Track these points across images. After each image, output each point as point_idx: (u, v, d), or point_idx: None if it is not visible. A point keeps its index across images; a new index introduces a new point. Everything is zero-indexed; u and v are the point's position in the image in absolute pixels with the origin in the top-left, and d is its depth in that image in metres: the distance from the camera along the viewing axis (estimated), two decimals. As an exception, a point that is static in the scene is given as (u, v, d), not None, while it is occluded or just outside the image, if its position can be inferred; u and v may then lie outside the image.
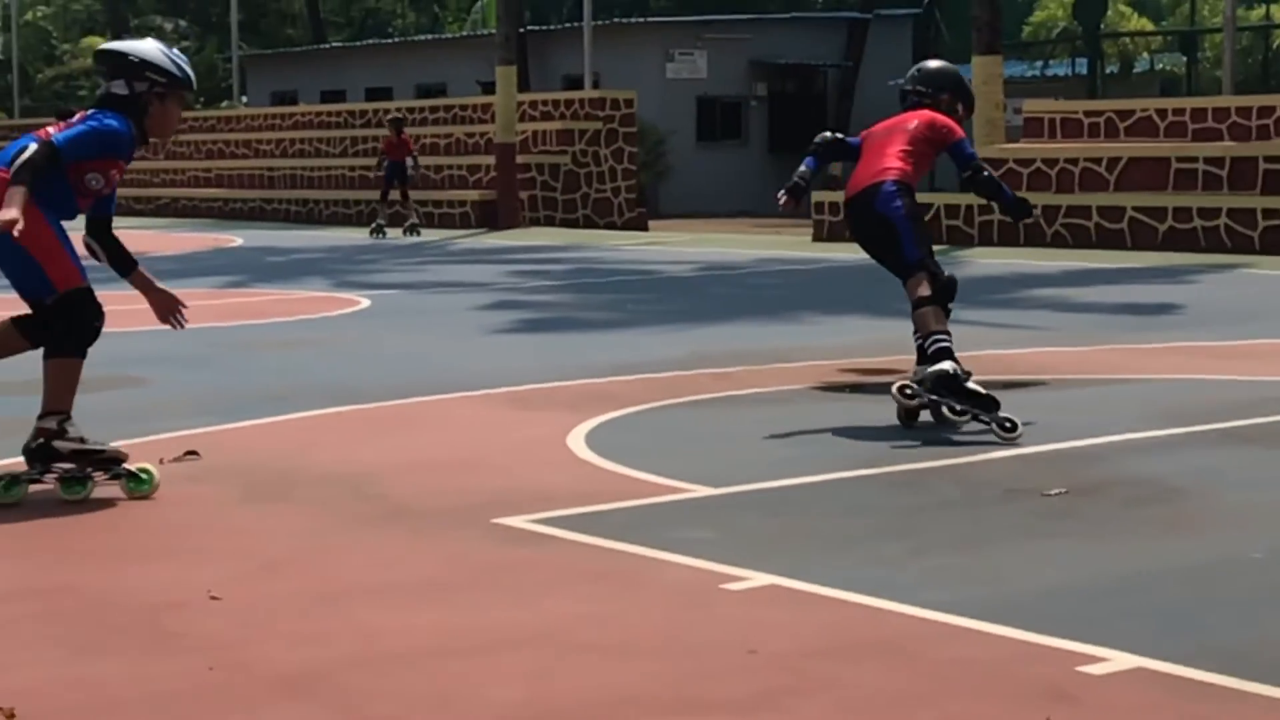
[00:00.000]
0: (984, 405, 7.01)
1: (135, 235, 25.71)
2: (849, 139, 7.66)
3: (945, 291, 7.28)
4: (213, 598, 4.58)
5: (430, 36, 42.02)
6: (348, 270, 17.59)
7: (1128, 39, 30.35)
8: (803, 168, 7.47)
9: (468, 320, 12.33)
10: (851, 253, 18.82)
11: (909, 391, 7.08)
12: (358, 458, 6.70)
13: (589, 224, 26.15)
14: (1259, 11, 30.56)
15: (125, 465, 5.86)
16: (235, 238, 25.04)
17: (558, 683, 3.84)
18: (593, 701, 3.71)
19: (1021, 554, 5.01)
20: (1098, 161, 19.42)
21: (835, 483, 6.09)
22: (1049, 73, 30.66)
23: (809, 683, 3.81)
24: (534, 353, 10.28)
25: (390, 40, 42.63)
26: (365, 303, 13.75)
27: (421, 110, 30.11)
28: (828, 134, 7.75)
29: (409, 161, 23.54)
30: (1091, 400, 8.01)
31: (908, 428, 7.17)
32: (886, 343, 10.37)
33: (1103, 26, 27.05)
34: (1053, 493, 5.79)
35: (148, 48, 6.01)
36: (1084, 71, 27.26)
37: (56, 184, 5.71)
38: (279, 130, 33.30)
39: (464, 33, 41.62)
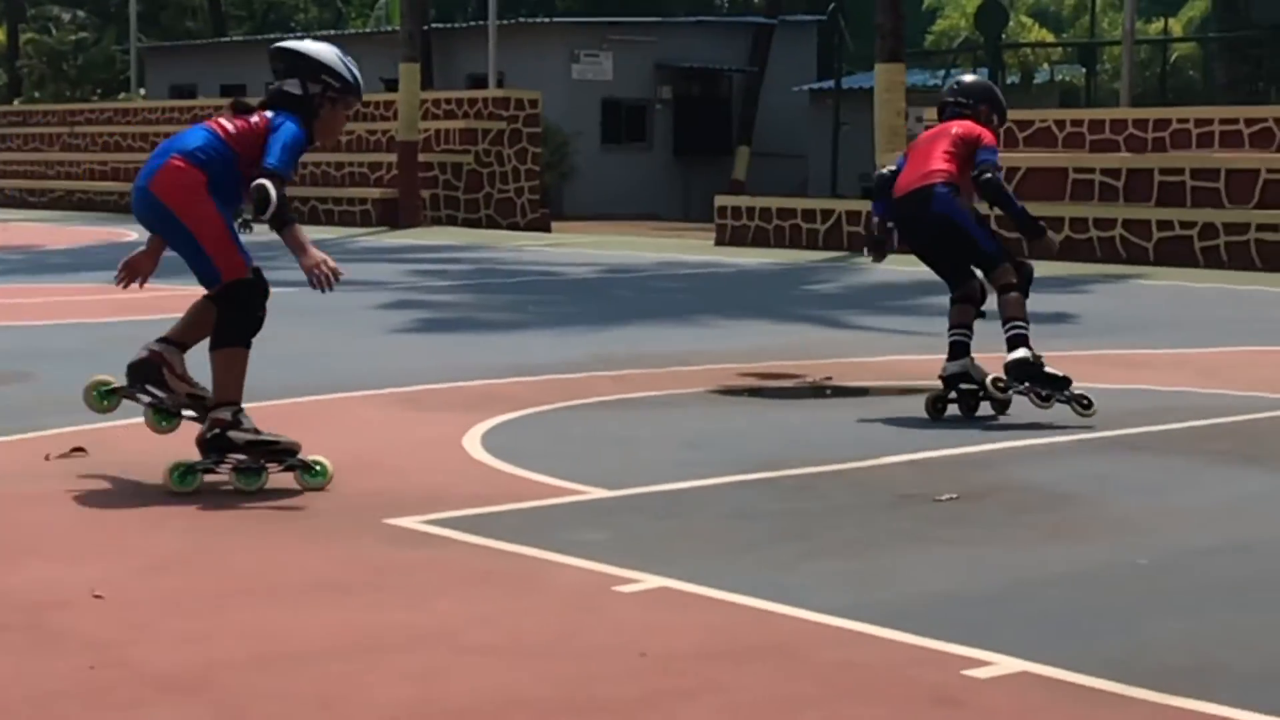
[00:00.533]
0: (1060, 385, 7.48)
1: (28, 229, 25.28)
2: (897, 166, 7.87)
3: (1028, 280, 7.65)
4: (96, 596, 4.50)
5: (333, 32, 41.70)
6: (246, 266, 17.38)
7: (1028, 50, 30.73)
8: (875, 217, 7.97)
9: (365, 319, 12.24)
10: (754, 257, 19.01)
11: (1001, 384, 7.48)
12: (250, 456, 6.61)
13: (491, 224, 26.07)
14: (1157, 25, 31.06)
15: (299, 457, 5.87)
16: (129, 232, 24.68)
17: (446, 684, 3.81)
18: (480, 703, 3.69)
19: (911, 559, 5.04)
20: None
21: (729, 486, 6.10)
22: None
23: (697, 685, 3.81)
24: (431, 353, 10.22)
25: (292, 35, 42.19)
26: (262, 300, 13.59)
27: (324, 106, 29.83)
28: (884, 171, 7.99)
29: None
30: (984, 407, 8.07)
31: (934, 419, 7.48)
32: (786, 347, 10.43)
33: (1004, 37, 27.35)
34: (944, 498, 5.84)
35: (326, 51, 6.07)
36: (985, 81, 27.58)
37: (229, 178, 5.79)
38: (177, 124, 32.83)
39: (367, 29, 41.36)
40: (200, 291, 6.05)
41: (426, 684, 3.81)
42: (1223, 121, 18.60)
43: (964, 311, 7.70)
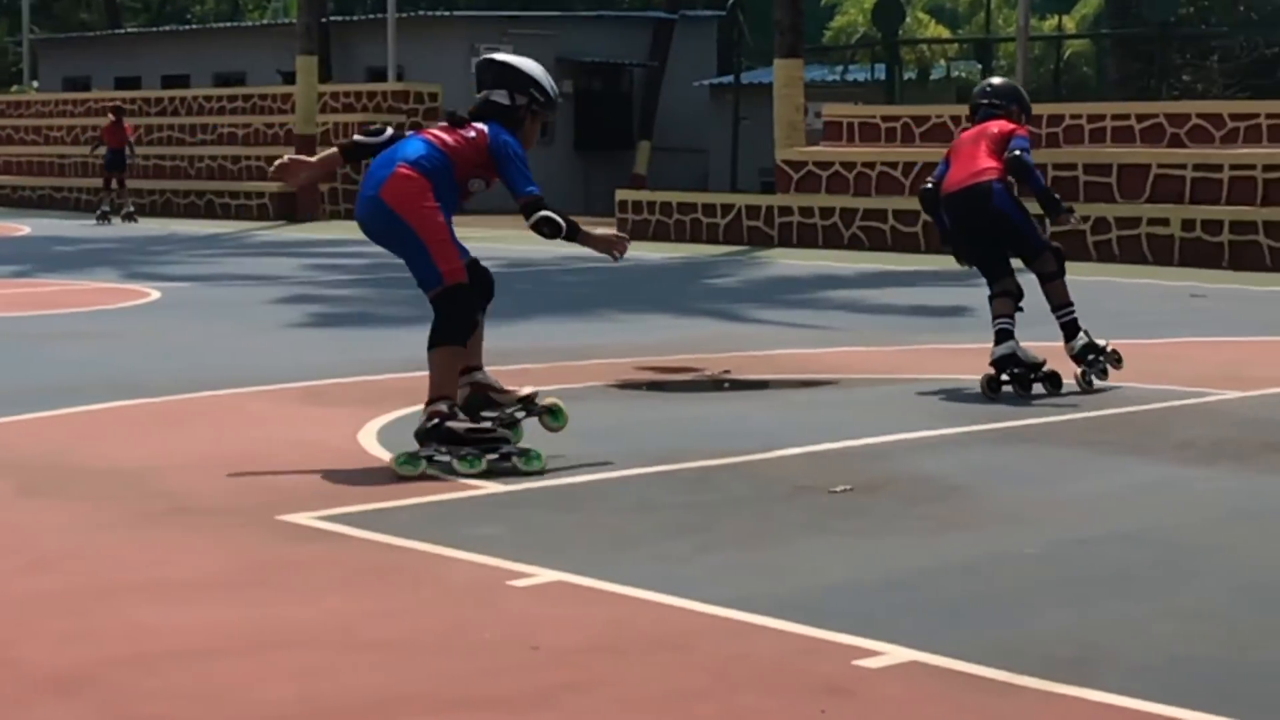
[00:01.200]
0: (1115, 360, 8.34)
1: (-84, 221, 24.78)
2: (941, 173, 8.44)
3: (1063, 263, 8.53)
4: (-21, 597, 4.42)
5: (230, 24, 41.22)
6: (139, 261, 17.16)
7: (925, 46, 31.00)
8: (940, 228, 8.59)
9: (262, 314, 12.12)
10: (654, 251, 19.02)
11: (1088, 377, 8.23)
12: (141, 453, 6.53)
13: (391, 218, 25.85)
14: (1051, 22, 31.44)
15: (514, 445, 6.18)
16: (23, 226, 24.28)
17: (333, 681, 3.78)
18: (368, 699, 3.66)
19: (806, 550, 5.07)
20: (894, 166, 19.81)
21: (627, 480, 6.10)
22: (849, 77, 31.18)
23: (589, 679, 3.81)
24: (330, 347, 10.14)
25: (188, 27, 41.70)
26: (155, 295, 13.43)
27: (220, 99, 29.53)
28: (929, 185, 8.54)
29: (127, 150, 24.64)
30: (881, 399, 8.15)
31: (989, 399, 7.93)
32: (686, 341, 10.45)
33: (901, 33, 27.58)
34: (838, 490, 5.88)
35: (534, 66, 6.46)
36: (883, 77, 27.76)
37: (448, 186, 6.13)
38: (71, 117, 32.36)
39: (264, 21, 40.92)
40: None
41: (314, 681, 3.78)
42: (1115, 117, 18.86)
43: (1004, 304, 8.35)
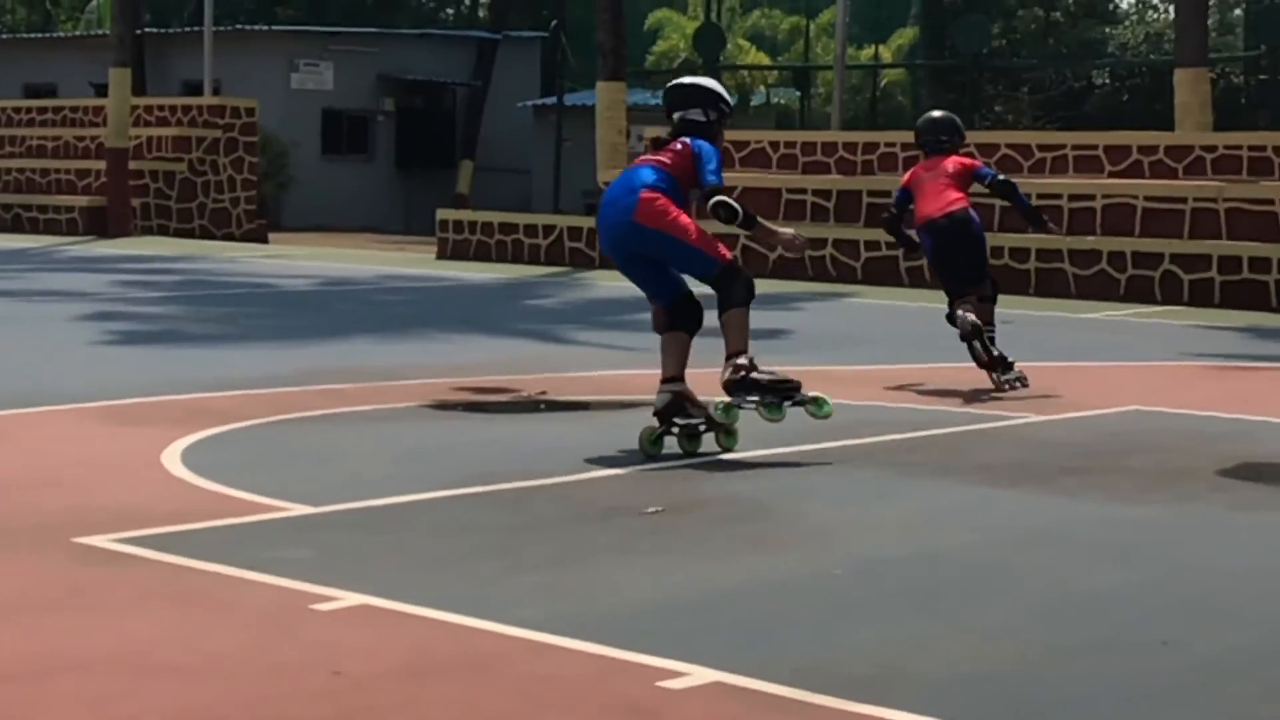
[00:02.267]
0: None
1: None
2: (900, 200, 9.75)
3: (997, 293, 9.94)
4: None
5: (41, 35, 40.18)
6: (-59, 275, 16.63)
7: (745, 72, 31.39)
8: (904, 245, 10.00)
9: (66, 331, 11.81)
10: (475, 271, 18.95)
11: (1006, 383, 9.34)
12: (-68, 473, 6.31)
13: (206, 234, 25.43)
14: (868, 52, 32.04)
15: (804, 392, 7.00)
16: None
17: (125, 707, 3.69)
18: (163, 727, 3.57)
19: (615, 571, 5.08)
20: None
21: (437, 501, 6.06)
22: (671, 102, 31.48)
23: (391, 703, 3.77)
24: (136, 366, 9.91)
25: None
26: (-44, 310, 13.01)
27: (29, 111, 28.73)
28: (890, 213, 9.83)
29: None
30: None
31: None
32: (504, 362, 10.42)
33: (721, 59, 27.88)
34: (650, 511, 5.90)
35: (715, 83, 7.49)
36: (704, 102, 28.04)
37: (677, 198, 7.00)
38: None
39: (78, 32, 39.95)
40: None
41: (103, 706, 3.68)
42: (928, 146, 19.27)
43: (987, 310, 9.66)
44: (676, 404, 7.06)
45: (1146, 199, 17.03)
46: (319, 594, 4.66)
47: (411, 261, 21.12)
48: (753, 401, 6.99)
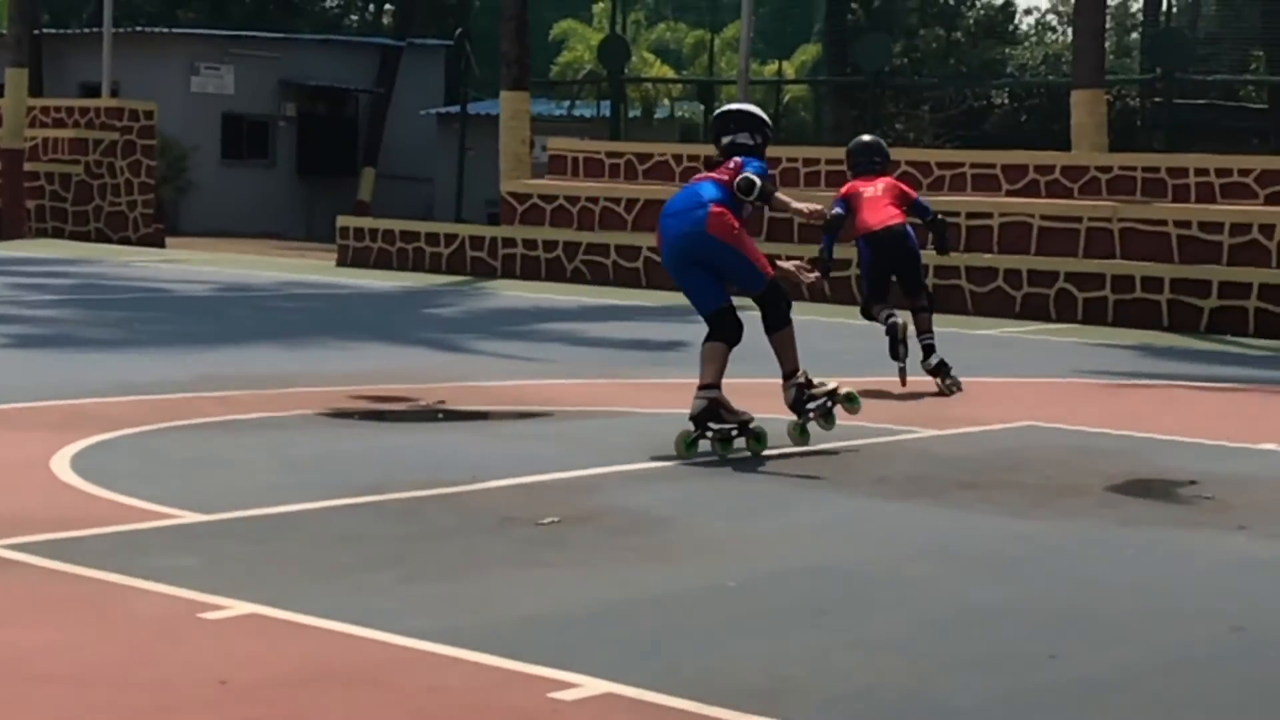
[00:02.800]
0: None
1: None
2: (839, 211, 10.32)
3: (934, 303, 10.86)
4: None
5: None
6: None
7: (650, 85, 31.46)
8: (823, 248, 10.63)
9: (-44, 333, 11.58)
10: (376, 279, 18.84)
11: (950, 381, 10.26)
12: None
13: (102, 238, 25.06)
14: (772, 67, 32.23)
15: (839, 394, 7.89)
16: None
17: (6, 715, 3.61)
18: (43, 738, 3.51)
19: (508, 582, 5.06)
20: (617, 201, 20.02)
21: (330, 510, 6.00)
22: (575, 113, 31.46)
23: (278, 714, 3.72)
24: (25, 370, 9.74)
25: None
26: None
27: (-79, 109, 28.18)
28: (835, 213, 10.12)
29: None
30: (593, 432, 8.21)
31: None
32: (402, 370, 10.35)
33: (626, 71, 27.92)
34: (546, 521, 5.88)
35: (758, 109, 8.25)
36: (608, 114, 28.08)
37: (737, 212, 7.62)
38: None
39: (-26, 30, 39.26)
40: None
41: (-16, 718, 3.61)
42: (829, 161, 19.39)
43: (925, 320, 10.47)
44: (711, 410, 7.53)
45: (1043, 218, 17.26)
46: (207, 603, 4.60)
47: (311, 268, 20.95)
48: (811, 413, 7.84)
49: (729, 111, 8.15)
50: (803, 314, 15.85)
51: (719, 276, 7.69)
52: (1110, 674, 4.32)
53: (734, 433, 7.50)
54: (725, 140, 7.92)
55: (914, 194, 10.87)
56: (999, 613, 4.91)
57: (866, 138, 11.11)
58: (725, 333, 7.74)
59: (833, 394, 7.91)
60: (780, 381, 7.90)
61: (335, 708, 3.79)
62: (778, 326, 7.83)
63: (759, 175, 7.52)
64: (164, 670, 4.01)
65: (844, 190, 10.56)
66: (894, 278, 10.54)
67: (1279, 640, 4.76)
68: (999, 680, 4.21)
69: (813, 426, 7.86)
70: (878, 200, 10.39)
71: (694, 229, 7.58)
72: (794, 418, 7.85)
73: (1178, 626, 4.85)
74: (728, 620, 4.71)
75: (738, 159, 7.72)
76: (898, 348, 10.27)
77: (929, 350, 10.35)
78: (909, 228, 10.48)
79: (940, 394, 10.10)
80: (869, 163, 10.66)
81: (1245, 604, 5.12)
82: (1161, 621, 4.90)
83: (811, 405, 7.81)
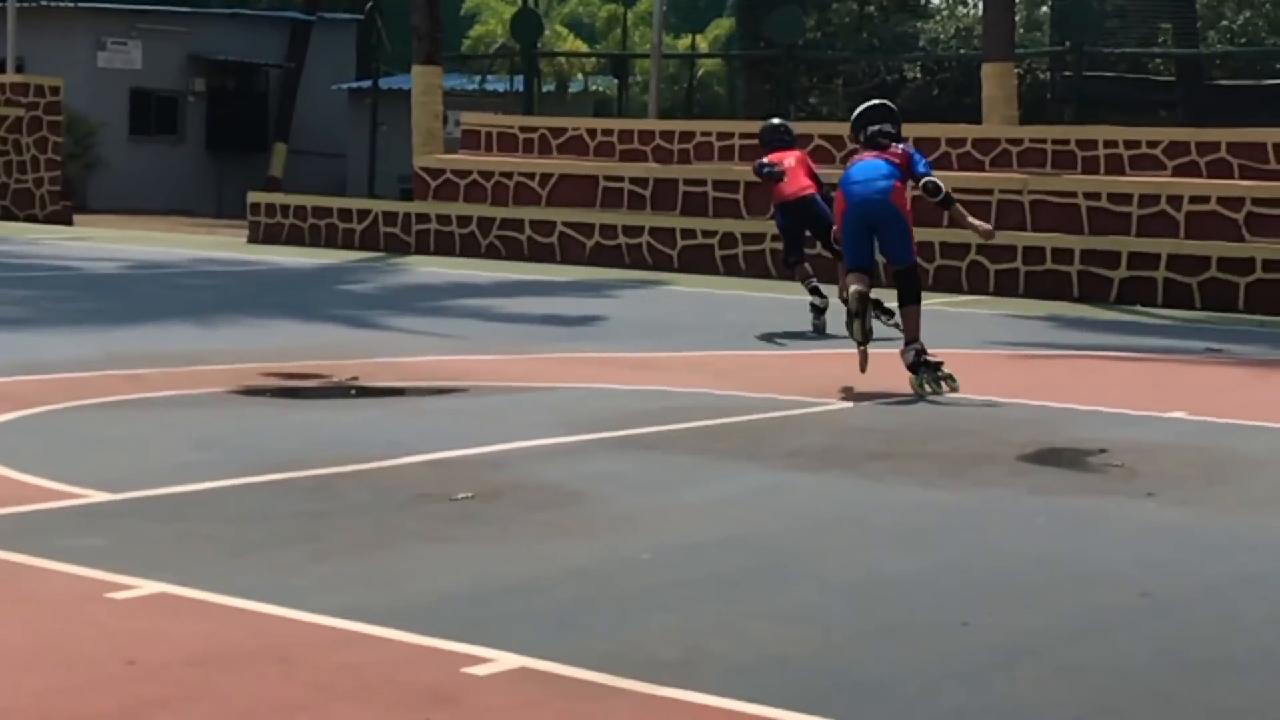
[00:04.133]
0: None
1: None
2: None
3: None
4: None
5: None
6: None
7: (563, 59, 31.34)
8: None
9: None
10: (288, 255, 18.66)
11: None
12: None
13: (8, 216, 24.65)
14: (686, 41, 32.20)
15: (942, 370, 8.92)
16: None
17: (-95, 703, 3.55)
18: (-55, 722, 3.45)
19: (421, 558, 5.03)
20: (531, 176, 19.95)
21: (241, 488, 5.94)
22: (488, 87, 31.27)
23: (185, 693, 3.68)
24: (-72, 349, 9.56)
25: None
26: None
27: None
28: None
29: None
30: (507, 407, 8.17)
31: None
32: (315, 347, 10.26)
33: (540, 46, 27.80)
34: (459, 497, 5.85)
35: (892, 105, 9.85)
36: (521, 88, 27.96)
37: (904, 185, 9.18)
38: None
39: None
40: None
41: (-117, 703, 3.54)
42: (743, 135, 19.41)
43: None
44: (920, 355, 8.91)
45: (955, 190, 17.29)
46: (114, 582, 4.54)
47: (222, 245, 20.72)
48: (925, 373, 8.89)
49: (876, 105, 9.67)
50: (727, 288, 15.98)
51: (878, 238, 9.15)
52: (1021, 641, 4.37)
53: (940, 369, 8.88)
54: (872, 129, 9.41)
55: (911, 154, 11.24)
56: (911, 582, 4.94)
57: (776, 120, 13.06)
58: (912, 294, 9.17)
59: (939, 366, 8.92)
60: (900, 347, 9.06)
61: (245, 686, 3.75)
62: (912, 301, 9.09)
63: (935, 177, 9.30)
64: (71, 651, 3.95)
65: (772, 159, 12.11)
66: (807, 233, 12.13)
67: (1186, 605, 4.82)
68: (911, 649, 4.24)
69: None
70: (795, 173, 11.97)
71: (879, 196, 9.03)
72: (912, 375, 8.94)
73: (1088, 593, 4.90)
74: (641, 593, 4.71)
75: (902, 148, 9.32)
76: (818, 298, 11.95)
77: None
78: (818, 196, 11.84)
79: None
80: (780, 140, 12.46)
81: (1153, 570, 5.19)
82: (1071, 588, 4.95)
83: (925, 370, 8.86)
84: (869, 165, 9.16)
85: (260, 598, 4.43)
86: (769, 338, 11.82)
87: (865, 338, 9.02)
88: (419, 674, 3.88)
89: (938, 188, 9.19)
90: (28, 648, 3.97)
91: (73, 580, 4.57)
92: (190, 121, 33.54)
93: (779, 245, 18.02)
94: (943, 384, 8.84)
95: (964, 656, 4.20)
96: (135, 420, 7.36)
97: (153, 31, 32.67)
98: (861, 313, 8.96)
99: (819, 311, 12.04)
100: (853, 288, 9.11)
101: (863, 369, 9.04)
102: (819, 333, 11.89)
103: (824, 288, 12.03)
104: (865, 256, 9.16)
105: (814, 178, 12.07)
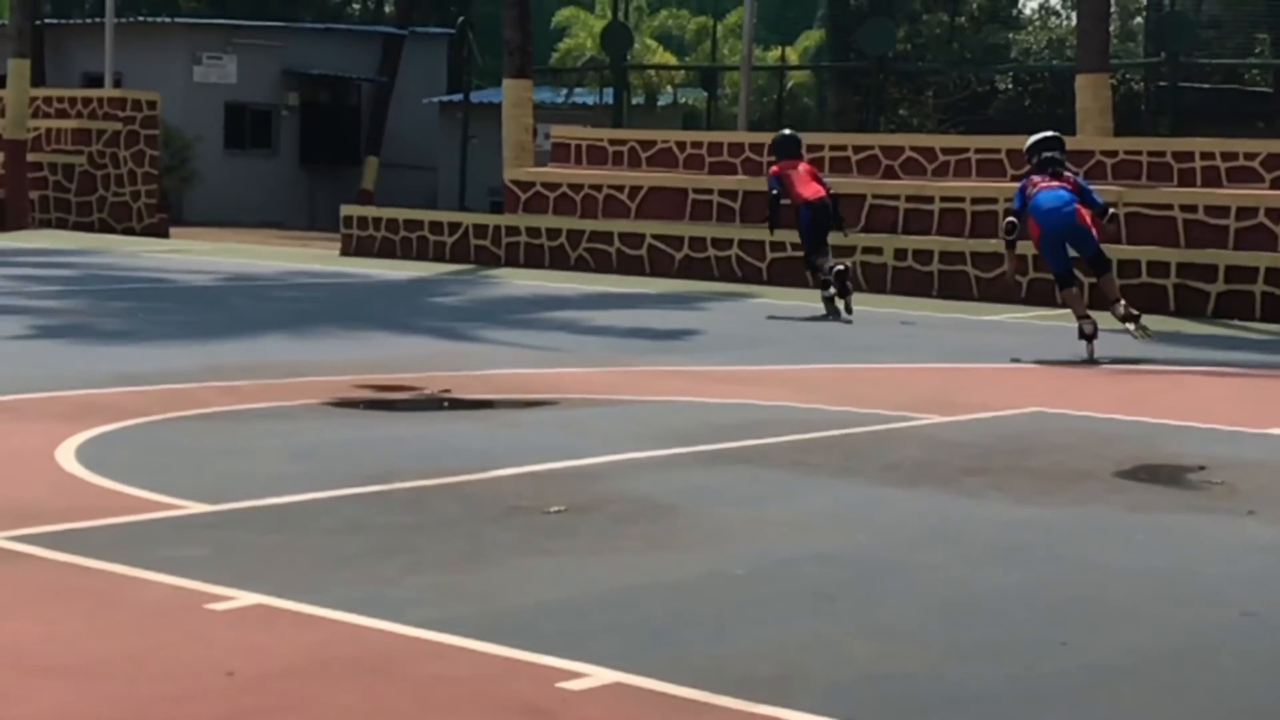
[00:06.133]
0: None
1: None
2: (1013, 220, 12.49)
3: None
4: None
5: (-62, 23, 39.47)
6: None
7: (653, 72, 31.39)
8: (773, 215, 14.84)
9: (-40, 324, 11.57)
10: (379, 268, 18.82)
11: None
12: None
13: (106, 228, 25.06)
14: (775, 53, 32.15)
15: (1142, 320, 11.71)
16: None
17: (13, 708, 3.60)
18: (50, 730, 3.50)
19: (515, 570, 5.04)
20: (620, 189, 19.98)
21: (337, 500, 5.98)
22: (577, 100, 31.39)
23: (284, 704, 3.71)
24: (31, 360, 9.73)
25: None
26: None
27: (-76, 100, 28.18)
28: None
29: None
30: (598, 420, 8.18)
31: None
32: (407, 359, 10.34)
33: (629, 58, 27.87)
34: (552, 510, 5.87)
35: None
36: (610, 101, 28.03)
37: None
38: None
39: (-24, 21, 39.26)
40: None
41: (-10, 710, 3.60)
42: (833, 148, 19.36)
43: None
44: (1093, 325, 11.33)
45: (1048, 203, 17.20)
46: (213, 593, 4.59)
47: (315, 258, 20.93)
48: (1134, 328, 11.59)
49: (1052, 137, 11.90)
50: (814, 300, 15.91)
51: (1068, 247, 11.66)
52: (1120, 660, 4.31)
53: (1140, 319, 11.76)
54: (1046, 154, 11.64)
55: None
56: (1008, 599, 4.89)
57: (787, 131, 15.14)
58: (1074, 281, 11.71)
59: (1139, 317, 11.65)
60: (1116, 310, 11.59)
61: (342, 697, 3.77)
62: (1105, 271, 11.81)
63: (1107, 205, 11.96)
64: (171, 660, 4.00)
65: (774, 170, 14.45)
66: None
67: (1290, 625, 4.74)
68: (1008, 667, 4.20)
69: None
70: (805, 178, 14.27)
71: (1071, 220, 11.43)
72: (1125, 326, 11.63)
73: (1187, 611, 4.83)
74: (735, 608, 4.69)
75: (1071, 175, 11.69)
76: (845, 284, 13.93)
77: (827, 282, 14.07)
78: (828, 200, 14.17)
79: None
80: (793, 150, 14.66)
81: (1255, 588, 5.10)
82: (1171, 606, 4.89)
83: (1133, 324, 11.50)
84: (1054, 195, 11.44)
85: (356, 609, 4.46)
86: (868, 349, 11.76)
87: (1094, 331, 11.44)
88: (513, 687, 3.88)
89: (1106, 211, 11.86)
90: (129, 657, 4.02)
91: (172, 591, 4.63)
92: (284, 135, 33.94)
93: (869, 258, 18.06)
94: (1146, 331, 11.64)
95: (1063, 675, 4.16)
96: (232, 432, 7.44)
97: (247, 46, 33.10)
98: (1087, 315, 11.42)
99: (830, 301, 14.05)
100: (1077, 307, 11.60)
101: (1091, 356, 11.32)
102: (835, 317, 13.91)
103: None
104: (1065, 262, 11.63)
105: (822, 183, 14.39)
